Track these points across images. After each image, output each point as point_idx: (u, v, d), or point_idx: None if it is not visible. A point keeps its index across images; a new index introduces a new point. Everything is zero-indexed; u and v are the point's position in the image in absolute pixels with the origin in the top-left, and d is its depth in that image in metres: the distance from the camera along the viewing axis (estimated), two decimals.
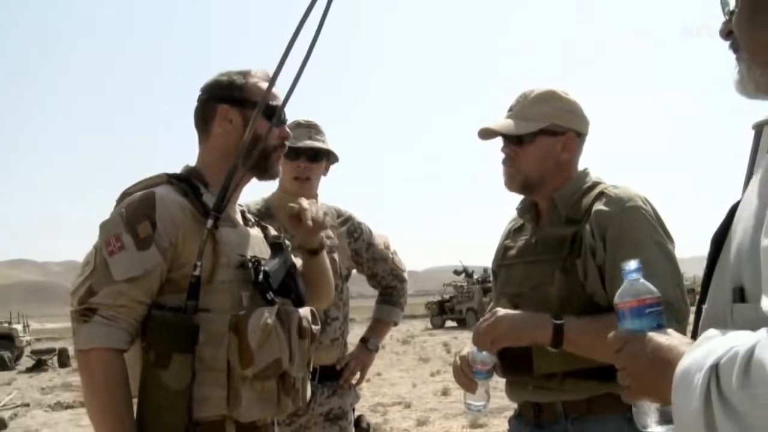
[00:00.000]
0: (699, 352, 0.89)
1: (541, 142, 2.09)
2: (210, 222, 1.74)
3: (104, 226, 1.77)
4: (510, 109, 2.16)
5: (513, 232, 2.27)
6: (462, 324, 33.19)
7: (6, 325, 28.03)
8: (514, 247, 2.21)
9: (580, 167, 2.17)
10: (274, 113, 1.81)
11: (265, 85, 1.91)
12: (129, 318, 1.71)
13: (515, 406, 2.24)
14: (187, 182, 1.85)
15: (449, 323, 34.56)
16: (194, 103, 1.98)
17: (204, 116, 1.95)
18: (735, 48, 1.07)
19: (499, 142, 2.16)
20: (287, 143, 2.00)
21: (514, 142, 2.11)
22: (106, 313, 1.69)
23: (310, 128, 2.98)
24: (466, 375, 1.93)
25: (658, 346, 1.02)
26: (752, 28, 1.03)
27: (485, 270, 35.74)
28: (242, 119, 1.89)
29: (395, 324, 3.40)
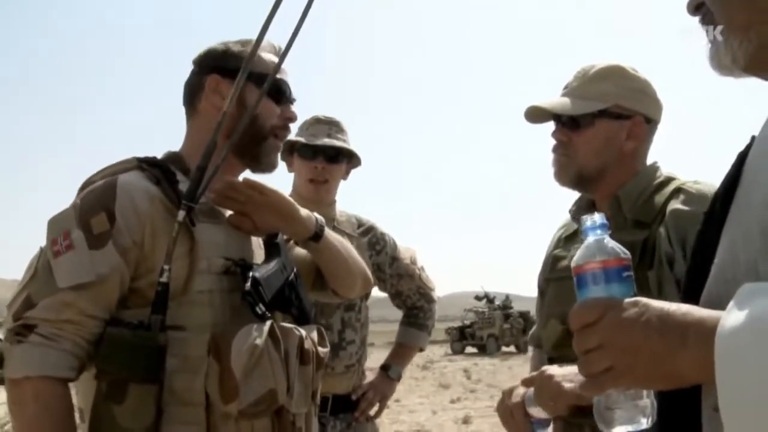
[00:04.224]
0: None
1: (601, 126, 1.72)
2: (182, 213, 1.37)
3: (53, 222, 1.41)
4: (565, 87, 1.79)
5: (564, 240, 1.89)
6: (482, 350, 32.87)
7: None
8: (567, 257, 1.82)
9: (649, 161, 1.79)
10: (265, 82, 1.46)
11: (269, 56, 1.58)
12: (76, 337, 1.34)
13: None
14: (161, 168, 1.48)
15: (470, 349, 34.25)
16: None
17: (191, 90, 1.61)
18: (707, 21, 0.99)
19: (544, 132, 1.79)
20: (295, 135, 1.63)
21: (568, 125, 1.75)
22: (46, 331, 1.31)
23: (331, 125, 2.63)
24: (521, 425, 1.55)
25: (664, 312, 0.80)
26: None
27: (507, 296, 35.60)
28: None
29: (421, 350, 3.05)
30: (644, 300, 0.82)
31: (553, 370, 1.51)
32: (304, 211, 1.65)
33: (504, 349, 32.77)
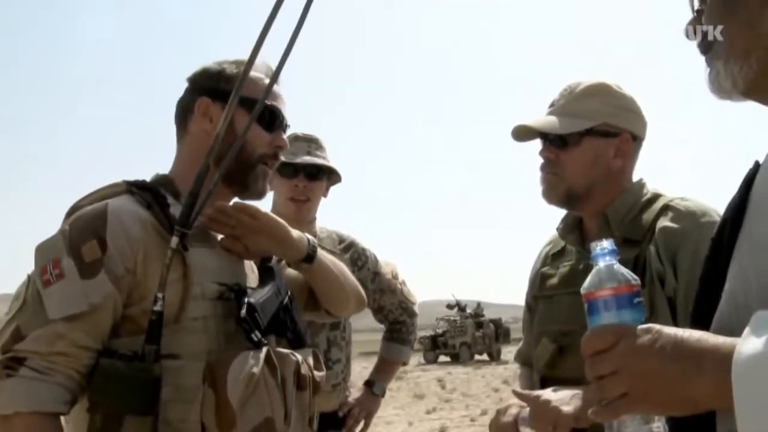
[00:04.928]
0: None
1: (589, 144, 1.73)
2: (175, 240, 1.34)
3: (41, 250, 1.37)
4: (551, 105, 1.79)
5: (552, 257, 1.89)
6: (455, 359, 32.86)
7: None
8: (556, 274, 1.83)
9: (634, 178, 1.80)
10: (256, 106, 1.44)
11: (264, 80, 1.54)
12: (69, 369, 1.30)
13: None
14: (151, 191, 1.45)
15: (443, 358, 34.20)
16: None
17: (183, 110, 1.58)
18: (705, 47, 0.99)
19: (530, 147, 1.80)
20: (282, 157, 1.61)
21: (556, 143, 1.75)
22: (37, 364, 1.27)
23: (310, 142, 2.62)
24: None
25: (678, 339, 0.80)
26: (727, 19, 0.94)
27: (478, 304, 35.60)
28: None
29: (404, 364, 3.07)
30: (657, 326, 0.83)
31: (549, 395, 1.51)
32: (296, 233, 1.63)
33: (477, 357, 32.82)
